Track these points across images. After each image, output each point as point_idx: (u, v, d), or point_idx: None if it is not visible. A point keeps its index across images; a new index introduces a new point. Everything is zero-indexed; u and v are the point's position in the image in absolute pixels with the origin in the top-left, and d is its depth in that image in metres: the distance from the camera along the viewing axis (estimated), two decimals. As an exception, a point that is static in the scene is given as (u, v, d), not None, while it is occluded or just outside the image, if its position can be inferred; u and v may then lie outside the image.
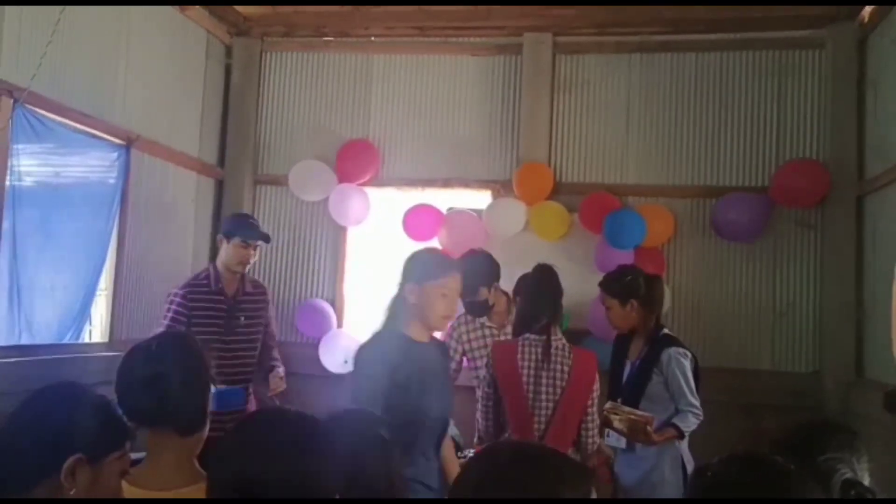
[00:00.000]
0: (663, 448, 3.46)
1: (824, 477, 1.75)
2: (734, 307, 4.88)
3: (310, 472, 1.34)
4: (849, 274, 4.67)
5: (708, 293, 4.93)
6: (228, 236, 3.97)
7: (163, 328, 3.73)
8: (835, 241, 4.74)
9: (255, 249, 4.01)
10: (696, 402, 3.47)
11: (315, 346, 5.10)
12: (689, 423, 3.45)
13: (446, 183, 5.34)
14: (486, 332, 4.06)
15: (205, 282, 3.92)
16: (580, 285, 4.64)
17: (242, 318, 3.98)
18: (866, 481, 1.78)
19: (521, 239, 4.93)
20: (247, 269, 4.05)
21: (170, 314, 3.81)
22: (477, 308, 3.99)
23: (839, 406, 4.53)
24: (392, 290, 2.84)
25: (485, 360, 3.54)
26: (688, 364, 3.52)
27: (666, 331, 3.66)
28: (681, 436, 3.45)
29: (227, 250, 3.96)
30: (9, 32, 3.66)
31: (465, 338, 4.08)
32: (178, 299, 3.83)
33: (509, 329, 3.87)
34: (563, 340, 3.28)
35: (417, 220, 5.07)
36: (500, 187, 5.22)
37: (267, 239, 4.11)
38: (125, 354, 1.90)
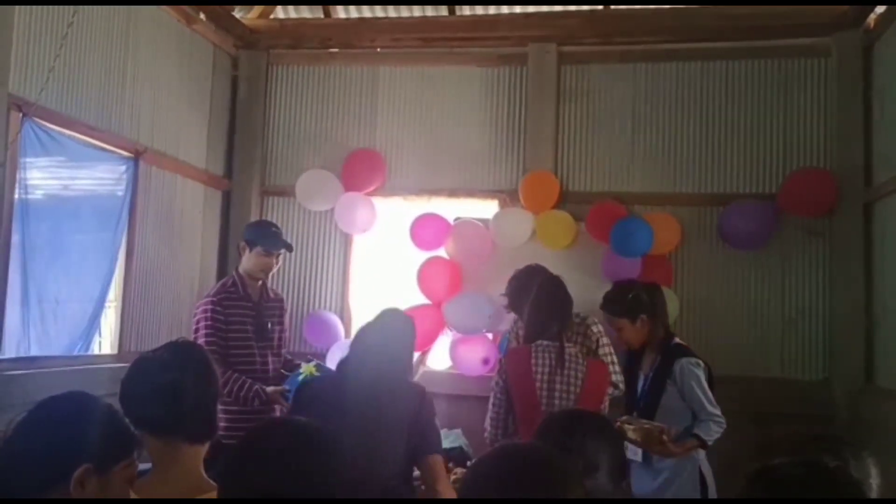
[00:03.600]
0: (681, 463, 3.44)
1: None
2: (742, 315, 4.86)
3: (321, 481, 1.34)
4: (858, 281, 4.65)
5: (716, 301, 4.90)
6: (251, 244, 3.99)
7: (203, 340, 3.74)
8: (843, 248, 4.72)
9: (277, 258, 4.03)
10: (717, 411, 3.44)
11: (323, 356, 5.10)
12: (712, 432, 3.40)
13: (452, 193, 5.35)
14: None
15: (232, 289, 3.95)
16: (587, 295, 4.62)
17: (269, 324, 4.02)
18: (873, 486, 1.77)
19: (527, 248, 4.92)
20: (269, 277, 4.08)
21: (207, 322, 3.81)
22: None
23: (849, 414, 4.51)
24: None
25: None
26: (701, 373, 3.49)
27: (677, 340, 3.64)
28: (703, 445, 3.41)
29: (249, 258, 3.99)
30: (17, 46, 3.68)
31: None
32: (212, 307, 3.84)
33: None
34: (575, 348, 3.29)
35: (425, 230, 5.08)
36: (507, 197, 5.23)
37: (290, 248, 4.13)
38: (132, 364, 1.91)
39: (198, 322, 3.87)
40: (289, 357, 4.20)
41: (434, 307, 4.99)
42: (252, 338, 3.92)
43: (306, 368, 3.85)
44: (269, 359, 3.97)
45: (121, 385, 1.86)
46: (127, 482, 1.52)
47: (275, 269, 4.09)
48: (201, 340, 3.76)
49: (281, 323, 4.15)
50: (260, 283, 4.05)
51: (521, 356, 3.31)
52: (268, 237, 4.01)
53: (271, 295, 4.14)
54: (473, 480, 1.32)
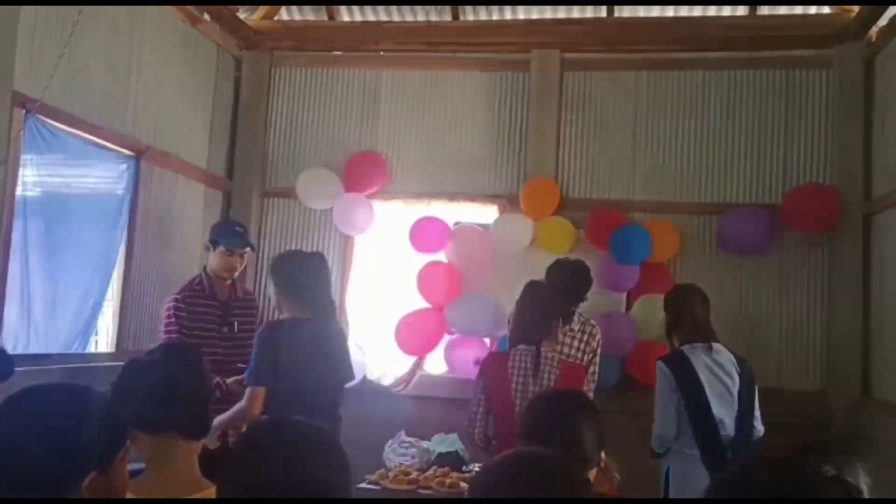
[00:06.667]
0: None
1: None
2: (740, 325, 4.84)
3: (322, 479, 1.34)
4: (856, 292, 4.66)
5: (713, 310, 4.82)
6: (214, 244, 3.97)
7: (165, 336, 3.74)
8: (842, 259, 4.74)
9: (241, 257, 4.01)
10: (657, 418, 3.52)
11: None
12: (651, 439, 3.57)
13: (453, 197, 5.35)
14: None
15: (198, 288, 3.92)
16: (586, 301, 4.64)
17: (236, 325, 3.99)
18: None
19: (527, 254, 4.93)
20: (235, 275, 4.05)
21: (172, 321, 3.79)
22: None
23: (845, 426, 4.51)
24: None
25: None
26: (660, 378, 3.53)
27: (684, 347, 3.60)
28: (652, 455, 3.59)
29: (213, 257, 3.97)
30: (22, 44, 3.69)
31: None
32: (174, 304, 3.82)
33: (561, 340, 3.94)
34: (554, 353, 3.38)
35: (424, 233, 5.08)
36: (507, 202, 5.23)
37: (252, 247, 4.11)
38: (125, 365, 1.94)
39: (163, 320, 3.84)
40: None
41: (435, 311, 4.99)
42: (216, 337, 3.88)
43: None
44: (232, 361, 3.87)
45: (112, 386, 1.86)
46: (125, 469, 1.52)
47: (240, 268, 4.06)
48: (164, 337, 3.75)
49: (251, 323, 4.09)
50: (229, 282, 4.01)
51: (499, 360, 3.46)
52: (229, 236, 3.97)
53: (240, 294, 4.10)
54: (485, 489, 1.31)
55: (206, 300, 3.91)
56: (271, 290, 3.55)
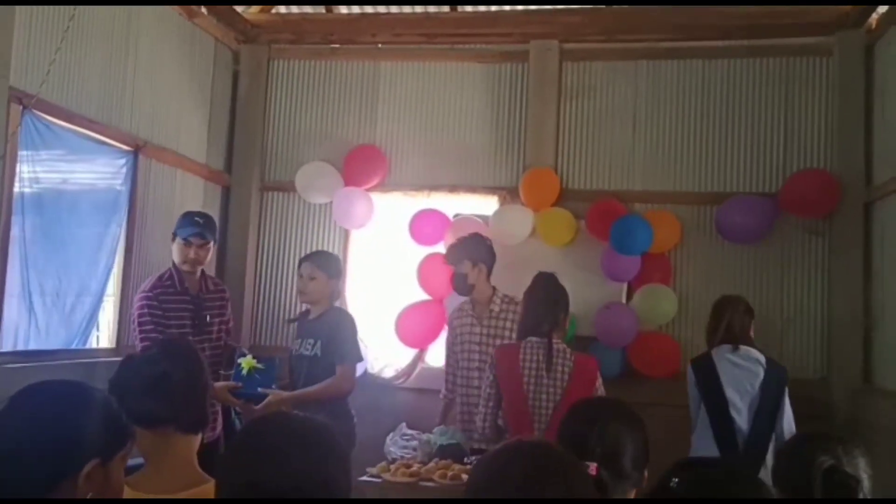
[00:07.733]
0: None
1: (804, 463, 1.76)
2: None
3: (321, 475, 1.34)
4: (856, 280, 4.65)
5: (714, 299, 4.89)
6: (174, 235, 3.92)
7: (142, 336, 3.69)
8: (842, 247, 4.72)
9: (202, 248, 3.92)
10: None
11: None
12: None
13: (453, 189, 5.34)
14: (467, 320, 4.14)
15: (169, 282, 3.87)
16: (587, 292, 4.64)
17: (208, 317, 3.97)
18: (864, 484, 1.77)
19: (527, 245, 4.92)
20: (198, 269, 3.99)
21: (144, 318, 3.73)
22: (457, 280, 4.08)
23: (847, 413, 4.51)
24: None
25: (472, 352, 3.96)
26: (688, 381, 3.79)
27: (712, 349, 3.78)
28: None
29: (174, 249, 3.92)
30: (18, 39, 3.68)
31: (455, 323, 4.23)
32: (148, 303, 3.76)
33: (487, 323, 4.03)
34: (564, 345, 3.37)
35: (424, 226, 5.07)
36: (507, 193, 5.22)
37: (214, 240, 4.04)
38: (122, 361, 1.95)
39: (136, 318, 3.77)
40: (232, 344, 4.16)
41: (435, 303, 4.99)
42: (189, 333, 3.82)
43: (245, 363, 3.76)
44: (207, 352, 3.82)
45: (109, 383, 1.86)
46: (122, 469, 1.51)
47: (203, 261, 3.98)
48: (141, 336, 3.70)
49: (222, 314, 4.07)
50: (198, 274, 3.97)
51: (511, 353, 3.42)
52: (184, 226, 3.89)
53: (210, 287, 4.06)
54: (485, 479, 1.30)
55: (177, 295, 3.85)
56: (330, 285, 3.98)
